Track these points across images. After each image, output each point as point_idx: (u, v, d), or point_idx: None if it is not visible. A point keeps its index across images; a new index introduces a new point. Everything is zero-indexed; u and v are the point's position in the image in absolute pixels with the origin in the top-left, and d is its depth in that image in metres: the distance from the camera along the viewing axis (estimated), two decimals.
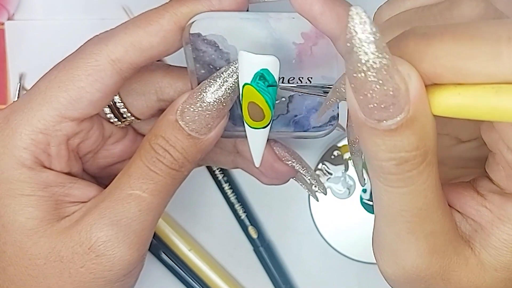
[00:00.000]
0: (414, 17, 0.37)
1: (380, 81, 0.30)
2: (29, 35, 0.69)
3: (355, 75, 0.31)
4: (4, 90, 0.69)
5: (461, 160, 0.45)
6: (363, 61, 0.30)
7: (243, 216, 0.70)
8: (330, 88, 0.40)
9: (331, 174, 0.68)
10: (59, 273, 0.46)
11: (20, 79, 0.68)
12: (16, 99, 0.68)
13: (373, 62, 0.30)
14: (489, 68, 0.30)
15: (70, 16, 0.69)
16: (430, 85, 0.32)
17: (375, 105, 0.31)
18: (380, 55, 0.30)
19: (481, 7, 0.35)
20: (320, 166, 0.68)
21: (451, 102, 0.32)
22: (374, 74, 0.30)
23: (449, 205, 0.39)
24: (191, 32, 0.46)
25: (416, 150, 0.33)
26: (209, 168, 0.70)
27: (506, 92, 0.30)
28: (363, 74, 0.31)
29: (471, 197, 0.39)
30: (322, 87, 0.44)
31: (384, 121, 0.32)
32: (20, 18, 0.69)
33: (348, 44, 0.30)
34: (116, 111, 0.51)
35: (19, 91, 0.68)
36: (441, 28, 0.32)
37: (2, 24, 0.68)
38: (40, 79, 0.48)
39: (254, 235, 0.70)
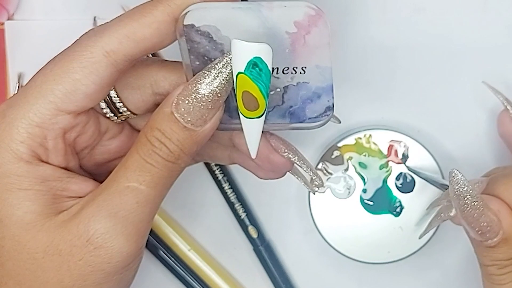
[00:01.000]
0: None
1: (476, 216, 0.49)
2: (29, 35, 0.69)
3: (463, 211, 0.49)
4: (4, 90, 0.69)
5: None
6: (465, 204, 0.49)
7: (243, 215, 0.70)
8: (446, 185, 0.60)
9: (331, 174, 0.68)
10: (58, 266, 0.46)
11: (19, 79, 0.68)
12: None
13: (471, 204, 0.49)
14: None
15: (70, 16, 0.69)
16: None
17: (477, 230, 0.49)
18: (474, 201, 0.49)
19: None
20: (320, 166, 0.68)
21: None
22: (472, 211, 0.49)
23: None
24: (184, 23, 0.46)
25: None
26: (208, 168, 0.70)
27: None
28: (465, 211, 0.49)
29: None
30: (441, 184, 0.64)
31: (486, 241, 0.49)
32: (20, 18, 0.69)
33: (456, 193, 0.49)
34: (112, 106, 0.51)
35: (18, 90, 0.68)
36: None
37: (2, 24, 0.69)
38: (36, 73, 0.48)
39: (254, 234, 0.70)
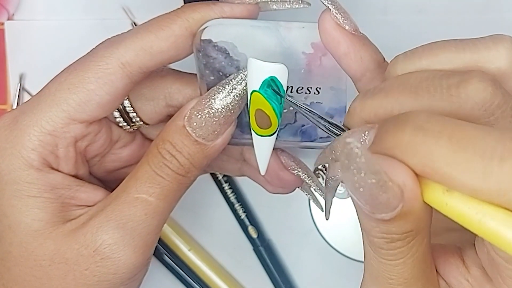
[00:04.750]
0: (423, 84, 0.37)
1: (374, 194, 0.32)
2: (29, 35, 0.69)
3: (357, 189, 0.33)
4: (4, 90, 0.69)
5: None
6: (358, 180, 0.32)
7: (243, 216, 0.70)
8: (333, 126, 0.43)
9: None
10: (64, 275, 0.46)
11: (20, 79, 0.68)
12: (16, 99, 0.68)
13: (369, 182, 0.32)
14: (476, 184, 0.30)
15: (70, 16, 0.69)
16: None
17: (371, 207, 0.33)
18: (373, 178, 0.32)
19: (488, 91, 0.34)
20: (320, 166, 0.68)
21: (439, 205, 0.33)
22: (369, 190, 0.32)
23: (436, 269, 0.39)
24: (202, 38, 0.46)
25: (408, 232, 0.35)
26: None
27: (487, 225, 0.30)
28: (361, 189, 0.33)
29: (456, 267, 0.39)
30: (327, 121, 0.43)
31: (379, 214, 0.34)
32: (20, 18, 0.69)
33: (346, 162, 0.32)
34: (126, 115, 0.51)
35: (19, 91, 0.68)
36: (440, 125, 0.32)
37: (2, 24, 0.68)
38: (50, 81, 0.48)
39: (254, 234, 0.70)
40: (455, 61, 0.37)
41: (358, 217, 0.36)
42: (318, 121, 0.44)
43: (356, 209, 0.36)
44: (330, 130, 0.43)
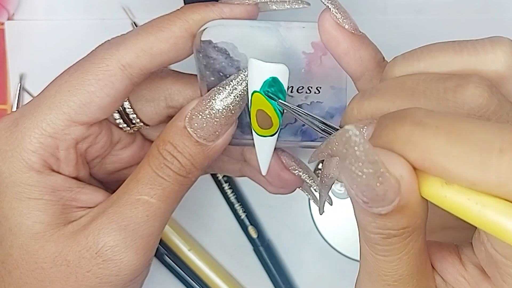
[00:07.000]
0: (420, 87, 0.37)
1: (371, 185, 0.31)
2: (29, 35, 0.69)
3: (354, 179, 0.32)
4: (4, 90, 0.69)
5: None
6: (356, 171, 0.31)
7: (243, 216, 0.70)
8: (329, 127, 0.43)
9: None
10: (66, 277, 0.46)
11: (21, 79, 0.68)
12: (16, 99, 0.68)
13: (367, 172, 0.31)
14: (475, 176, 0.30)
15: (70, 16, 0.69)
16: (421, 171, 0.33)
17: (368, 198, 0.32)
18: (371, 167, 0.31)
19: (484, 97, 0.34)
20: (320, 166, 0.68)
21: (438, 198, 0.32)
22: (367, 181, 0.31)
23: (432, 266, 0.39)
24: (202, 39, 0.46)
25: (405, 228, 0.34)
26: None
27: (487, 215, 0.30)
28: (358, 179, 0.31)
29: (453, 265, 0.38)
30: (322, 123, 0.43)
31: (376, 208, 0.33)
32: (20, 18, 0.69)
33: (344, 150, 0.31)
34: (126, 117, 0.51)
35: (19, 91, 0.68)
36: (438, 120, 0.32)
37: (2, 24, 0.68)
38: (50, 83, 0.48)
39: (254, 235, 0.70)
40: (453, 64, 0.37)
41: (355, 213, 0.35)
42: (313, 123, 0.44)
43: (353, 204, 0.35)
44: (326, 132, 0.43)
